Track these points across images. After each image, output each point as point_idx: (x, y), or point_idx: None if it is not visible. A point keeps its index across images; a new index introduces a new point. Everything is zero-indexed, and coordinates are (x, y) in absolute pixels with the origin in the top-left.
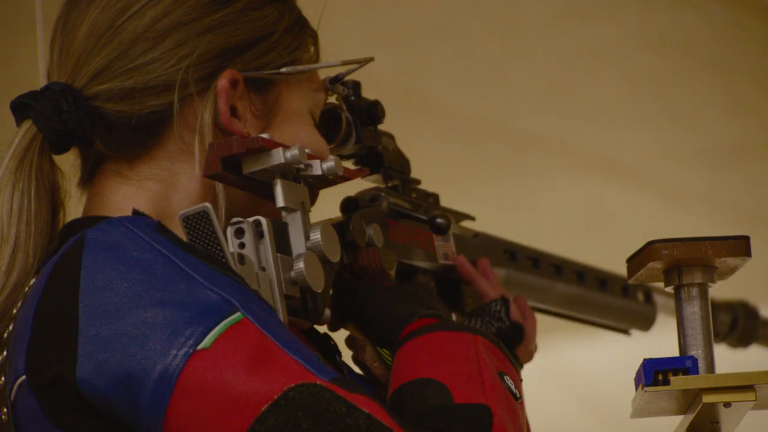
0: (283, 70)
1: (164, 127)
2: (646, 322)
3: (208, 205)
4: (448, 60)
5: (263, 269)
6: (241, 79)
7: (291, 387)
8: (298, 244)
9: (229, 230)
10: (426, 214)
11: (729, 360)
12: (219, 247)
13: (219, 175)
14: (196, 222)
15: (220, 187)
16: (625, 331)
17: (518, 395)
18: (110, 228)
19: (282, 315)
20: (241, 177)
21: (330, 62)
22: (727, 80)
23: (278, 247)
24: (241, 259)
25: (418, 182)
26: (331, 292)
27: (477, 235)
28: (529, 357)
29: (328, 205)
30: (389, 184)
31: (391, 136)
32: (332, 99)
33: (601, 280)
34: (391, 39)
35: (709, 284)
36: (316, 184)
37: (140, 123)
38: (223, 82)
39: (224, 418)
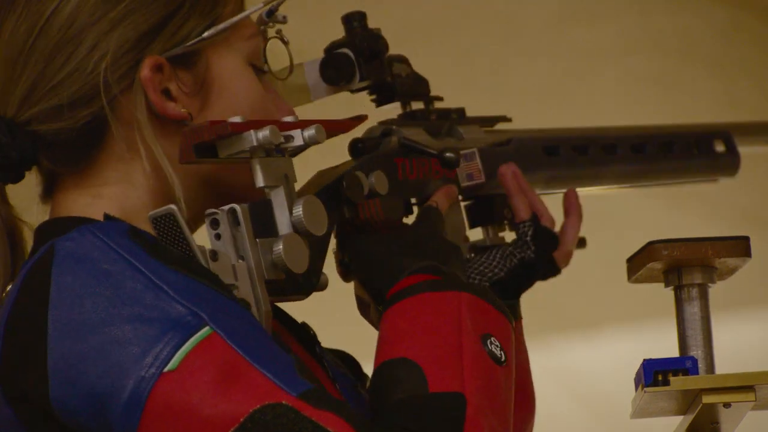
0: (205, 35)
1: (104, 132)
2: (730, 170)
3: (173, 207)
4: (447, 61)
5: (242, 258)
6: (164, 62)
7: (257, 409)
8: (283, 221)
9: (206, 222)
10: (440, 144)
11: (729, 360)
12: (188, 247)
13: (195, 161)
14: (164, 223)
15: (174, 178)
16: (712, 180)
17: (503, 358)
18: (80, 238)
19: (263, 304)
20: (220, 160)
21: (250, 9)
22: (727, 81)
23: (262, 228)
24: (214, 255)
25: (440, 99)
26: (336, 249)
27: (510, 140)
28: (567, 260)
29: (339, 153)
30: (407, 109)
31: (403, 60)
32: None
33: (665, 143)
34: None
35: (709, 285)
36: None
37: (79, 135)
38: (145, 72)
39: None
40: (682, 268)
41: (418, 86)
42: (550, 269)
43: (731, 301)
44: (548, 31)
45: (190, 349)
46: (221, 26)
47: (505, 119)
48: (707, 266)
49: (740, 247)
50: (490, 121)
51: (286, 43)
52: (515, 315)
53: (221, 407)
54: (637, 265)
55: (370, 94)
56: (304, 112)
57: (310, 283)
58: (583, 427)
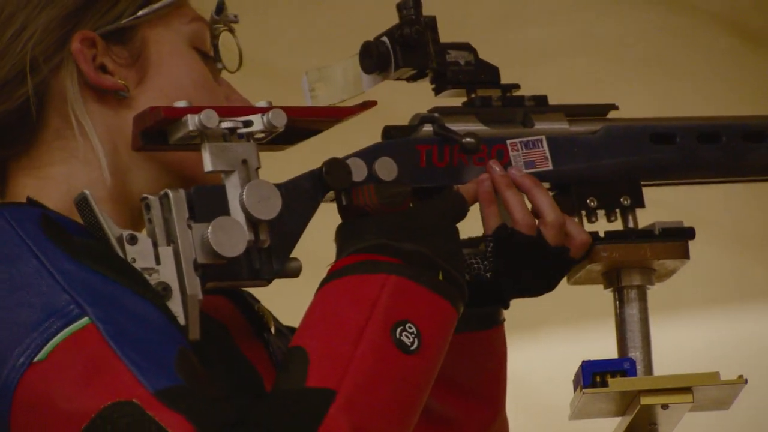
0: (139, 13)
1: (42, 110)
2: None
3: (86, 192)
4: None
5: (174, 242)
6: (96, 37)
7: (107, 406)
8: (236, 206)
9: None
10: (495, 132)
11: (668, 362)
12: (103, 231)
13: (146, 148)
14: (82, 207)
15: (101, 151)
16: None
17: (414, 346)
18: None
19: (189, 288)
20: (172, 146)
21: None
22: (663, 83)
23: (215, 213)
24: (132, 239)
25: (516, 87)
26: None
27: (597, 130)
28: (582, 249)
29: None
30: (473, 96)
31: (465, 48)
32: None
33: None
34: (324, 41)
35: (648, 286)
36: (285, 137)
37: (18, 116)
38: (75, 44)
39: None
40: (621, 269)
41: (481, 74)
42: (560, 267)
43: (670, 303)
44: (484, 33)
45: (61, 341)
46: (156, 6)
47: (613, 107)
48: (646, 268)
49: (679, 249)
50: (594, 109)
51: (235, 37)
52: (494, 320)
53: (77, 402)
54: (577, 266)
55: (430, 83)
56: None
57: (269, 268)
58: (521, 430)
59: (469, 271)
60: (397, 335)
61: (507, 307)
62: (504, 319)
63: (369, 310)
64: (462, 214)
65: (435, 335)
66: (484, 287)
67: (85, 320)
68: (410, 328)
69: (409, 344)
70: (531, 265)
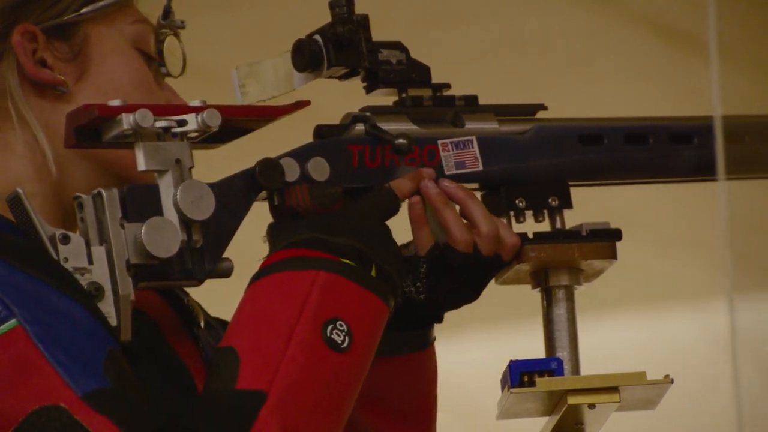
0: (83, 11)
1: None
2: None
3: (19, 190)
4: None
5: (106, 242)
6: (37, 31)
7: (35, 410)
8: (168, 206)
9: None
10: (426, 132)
11: (595, 362)
12: (35, 230)
13: (79, 145)
14: (14, 205)
15: (46, 145)
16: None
17: (345, 344)
18: None
19: (122, 288)
20: (105, 144)
21: None
22: (590, 83)
23: (149, 212)
24: (65, 238)
25: (447, 86)
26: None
27: (526, 131)
28: (511, 251)
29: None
30: (404, 95)
31: (397, 47)
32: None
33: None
34: (256, 39)
35: (576, 286)
36: (218, 136)
37: None
38: (15, 37)
39: None
40: (549, 270)
41: (412, 73)
42: (490, 273)
43: (597, 303)
44: (410, 33)
45: None
46: (100, 4)
47: (542, 107)
48: (574, 268)
49: (606, 249)
50: (523, 109)
51: (180, 42)
52: (426, 342)
53: (5, 404)
54: (505, 267)
55: (362, 81)
56: (319, 100)
57: (201, 268)
58: (447, 429)
59: (402, 294)
60: (328, 333)
61: (441, 321)
62: (435, 338)
63: (299, 308)
64: (394, 211)
65: (365, 332)
66: (417, 309)
67: (12, 322)
68: (341, 325)
69: (339, 342)
70: (464, 278)
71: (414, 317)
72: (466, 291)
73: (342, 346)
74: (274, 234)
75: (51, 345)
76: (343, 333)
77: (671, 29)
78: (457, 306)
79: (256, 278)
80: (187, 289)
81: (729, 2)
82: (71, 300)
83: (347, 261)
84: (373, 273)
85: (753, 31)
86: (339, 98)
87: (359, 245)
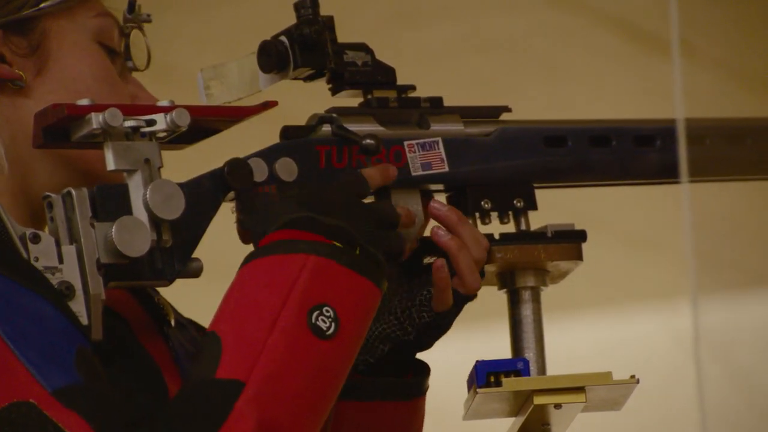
0: (42, 6)
1: None
2: None
3: None
4: None
5: (77, 241)
6: None
7: (5, 407)
8: (138, 205)
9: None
10: (392, 133)
11: (561, 363)
12: (5, 230)
13: (47, 145)
14: None
15: (10, 147)
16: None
17: (331, 331)
18: None
19: (92, 288)
20: (74, 143)
21: None
22: (558, 82)
23: (118, 212)
24: (35, 237)
25: (412, 88)
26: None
27: (491, 132)
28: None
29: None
30: (370, 97)
31: (362, 49)
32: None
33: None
34: (221, 40)
35: (542, 288)
36: (185, 136)
37: None
38: None
39: None
40: (516, 271)
41: (378, 75)
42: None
43: (563, 304)
44: (380, 33)
45: None
46: None
47: (506, 109)
48: (540, 269)
49: (572, 250)
50: (487, 111)
51: (144, 36)
52: (419, 390)
53: None
54: None
55: (327, 83)
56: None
57: (171, 268)
58: None
59: (391, 341)
60: (313, 320)
61: (429, 347)
62: (428, 387)
63: (286, 294)
64: (364, 194)
65: (354, 318)
66: (406, 349)
67: None
68: (327, 312)
69: (325, 329)
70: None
71: (401, 358)
72: (447, 322)
73: (327, 333)
74: (263, 213)
75: (21, 343)
76: (329, 319)
77: (637, 30)
78: (438, 337)
79: (247, 261)
80: (158, 289)
81: (692, 3)
82: (42, 299)
83: (338, 244)
84: (357, 252)
85: (715, 31)
86: (304, 100)
87: (348, 227)
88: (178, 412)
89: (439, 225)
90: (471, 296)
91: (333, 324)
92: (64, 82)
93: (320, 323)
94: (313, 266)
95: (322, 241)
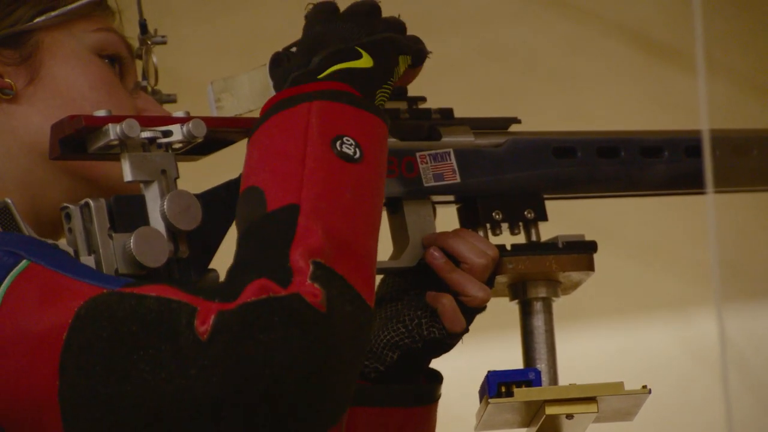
0: (36, 20)
1: None
2: None
3: (8, 200)
4: None
5: (95, 252)
6: None
7: (81, 305)
8: (155, 216)
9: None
10: (404, 145)
11: (573, 373)
12: None
13: (64, 156)
14: (3, 215)
15: (21, 162)
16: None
17: (357, 155)
18: None
19: None
20: (90, 155)
21: (80, 2)
22: (571, 93)
23: (136, 223)
24: (55, 248)
25: (423, 99)
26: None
27: (501, 144)
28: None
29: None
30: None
31: None
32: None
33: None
34: (232, 51)
35: (553, 298)
36: (200, 148)
37: None
38: None
39: (35, 363)
40: (527, 282)
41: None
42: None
43: (575, 314)
44: None
45: (10, 283)
46: (52, 14)
47: (516, 121)
48: (552, 280)
49: (584, 261)
50: (497, 122)
51: (150, 54)
52: (431, 397)
53: (49, 320)
54: None
55: None
56: None
57: (188, 279)
58: None
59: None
60: (338, 148)
61: (438, 356)
62: (440, 395)
63: (304, 135)
64: None
65: (372, 144)
66: (414, 357)
67: (24, 263)
68: (348, 140)
69: (351, 154)
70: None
71: (413, 365)
72: (455, 342)
73: (355, 157)
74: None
75: (69, 269)
76: (352, 146)
77: (650, 40)
78: (442, 354)
79: (254, 129)
80: None
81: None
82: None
83: (335, 88)
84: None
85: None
86: None
87: (343, 65)
88: (246, 252)
89: (435, 247)
90: (481, 308)
91: (357, 149)
92: (57, 90)
93: (345, 150)
94: (318, 108)
95: (320, 89)
